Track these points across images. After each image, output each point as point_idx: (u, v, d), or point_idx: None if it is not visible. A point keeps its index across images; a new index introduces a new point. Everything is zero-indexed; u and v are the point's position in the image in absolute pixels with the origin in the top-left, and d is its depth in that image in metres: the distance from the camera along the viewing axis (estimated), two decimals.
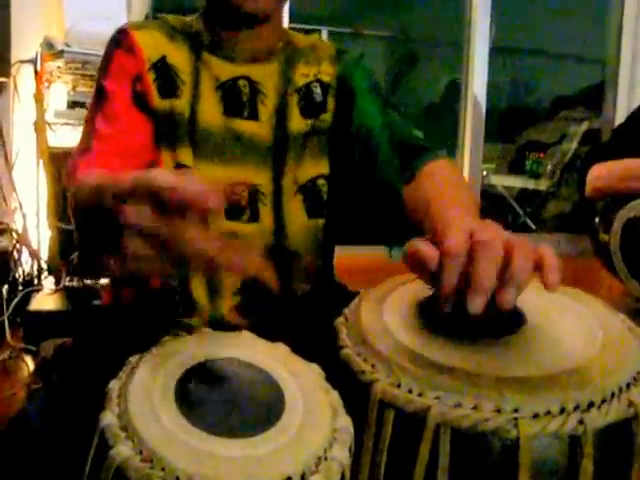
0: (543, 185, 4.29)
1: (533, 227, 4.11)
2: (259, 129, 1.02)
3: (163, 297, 1.00)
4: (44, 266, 2.33)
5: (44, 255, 2.38)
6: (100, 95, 0.98)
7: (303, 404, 0.53)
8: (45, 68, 2.33)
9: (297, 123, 1.04)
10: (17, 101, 2.44)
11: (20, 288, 2.22)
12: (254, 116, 1.02)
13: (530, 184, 4.37)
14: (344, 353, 0.61)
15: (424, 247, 0.59)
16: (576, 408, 0.51)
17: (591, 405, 0.52)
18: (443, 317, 0.61)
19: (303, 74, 1.06)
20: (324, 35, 5.02)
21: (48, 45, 2.36)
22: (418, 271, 0.61)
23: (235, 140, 1.01)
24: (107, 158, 0.93)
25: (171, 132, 0.99)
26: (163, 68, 0.99)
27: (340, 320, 0.67)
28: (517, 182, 4.44)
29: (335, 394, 0.56)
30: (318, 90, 1.06)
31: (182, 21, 1.05)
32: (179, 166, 0.98)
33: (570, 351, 0.57)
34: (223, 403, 0.51)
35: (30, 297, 2.18)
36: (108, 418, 0.48)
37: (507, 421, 0.50)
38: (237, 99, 1.01)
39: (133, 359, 0.56)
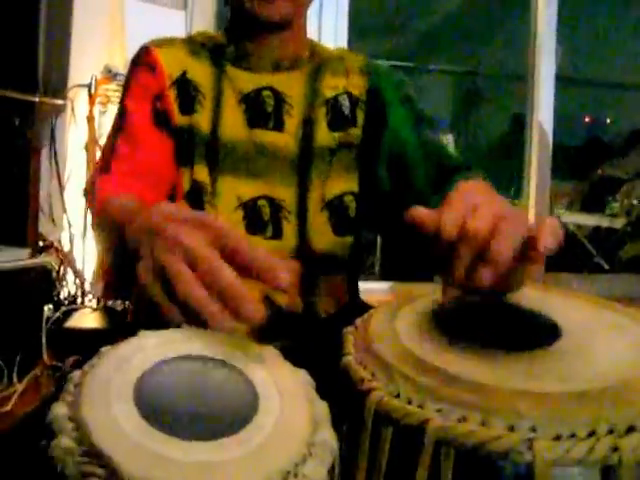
0: (618, 223, 4.09)
1: (606, 267, 3.91)
2: (284, 140, 0.99)
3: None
4: (88, 286, 2.34)
5: (89, 276, 2.39)
6: (121, 114, 0.98)
7: (279, 412, 0.46)
8: (101, 92, 2.38)
9: (324, 136, 1.00)
10: (73, 124, 2.49)
11: (64, 307, 2.23)
12: (279, 127, 0.99)
13: (604, 222, 4.17)
14: (344, 360, 0.54)
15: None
16: (610, 432, 0.42)
17: (631, 430, 0.42)
18: (463, 326, 0.55)
19: (331, 86, 1.02)
20: None
21: (107, 70, 2.42)
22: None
23: (259, 152, 0.98)
24: (125, 179, 0.92)
25: (190, 149, 0.97)
26: (183, 84, 0.99)
27: (349, 329, 0.61)
28: (590, 220, 4.25)
29: (322, 405, 0.49)
30: (347, 103, 1.02)
31: (207, 37, 1.05)
32: (194, 183, 0.96)
33: (611, 369, 0.48)
34: (187, 404, 0.45)
35: (71, 316, 2.19)
36: (58, 408, 0.43)
37: (521, 441, 0.42)
38: (261, 110, 0.99)
39: (104, 349, 0.51)
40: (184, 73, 0.99)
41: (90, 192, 0.90)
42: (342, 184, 1.00)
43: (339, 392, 0.53)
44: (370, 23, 5.10)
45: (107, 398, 0.44)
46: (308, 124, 1.00)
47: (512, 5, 3.52)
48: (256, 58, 1.00)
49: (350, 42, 2.90)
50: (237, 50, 1.01)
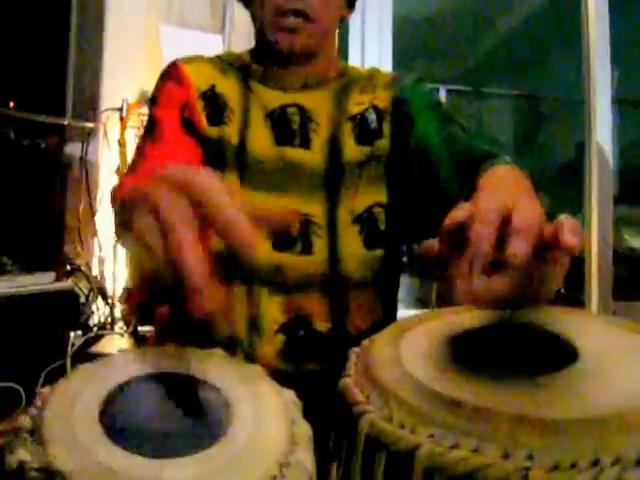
0: None
1: None
2: (311, 158, 1.00)
3: (204, 334, 0.98)
4: (117, 311, 2.37)
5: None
6: (150, 123, 1.02)
7: (252, 430, 0.46)
8: (135, 116, 2.44)
9: (351, 151, 1.02)
10: (106, 148, 2.55)
11: (91, 333, 2.26)
12: (306, 145, 1.01)
13: None
14: (341, 383, 0.53)
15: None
16: (617, 462, 0.40)
17: None
18: (473, 350, 0.54)
19: (358, 102, 1.04)
20: (442, 93, 5.03)
21: (143, 95, 2.49)
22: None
23: (286, 169, 1.00)
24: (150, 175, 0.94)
25: (219, 159, 1.00)
26: (212, 97, 1.02)
27: (354, 349, 0.60)
28: None
29: (303, 427, 0.49)
30: (373, 116, 1.04)
31: (234, 55, 1.09)
32: None
33: (624, 396, 0.46)
34: (156, 421, 0.46)
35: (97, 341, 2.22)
36: (22, 421, 0.44)
37: (515, 471, 0.40)
38: (287, 127, 1.01)
39: (82, 365, 0.52)
40: (213, 87, 1.03)
41: (113, 195, 0.92)
42: (370, 196, 1.02)
43: (336, 416, 0.52)
44: (426, 48, 5.14)
45: (70, 414, 0.44)
46: (334, 141, 1.01)
47: (567, 26, 3.48)
48: (282, 78, 1.03)
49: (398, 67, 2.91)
50: (263, 70, 1.04)
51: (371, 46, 2.88)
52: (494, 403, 0.44)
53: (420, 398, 0.47)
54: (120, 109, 2.46)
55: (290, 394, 0.53)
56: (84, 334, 2.22)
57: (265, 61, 1.04)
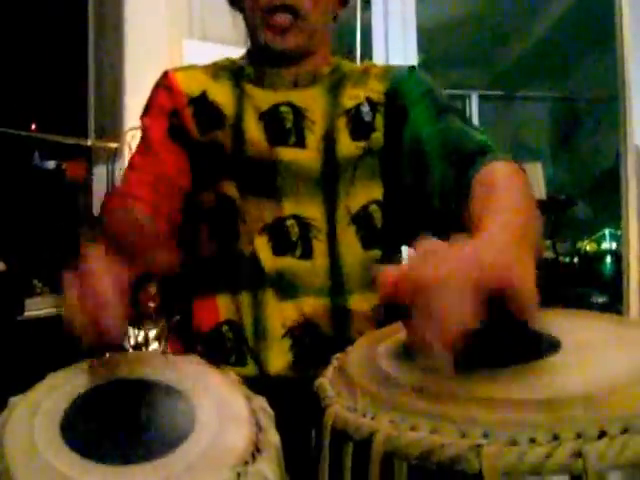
0: None
1: None
2: (307, 156, 0.99)
3: (214, 346, 0.98)
4: (151, 333, 2.38)
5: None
6: (142, 133, 1.04)
7: (213, 438, 0.46)
8: None
9: (347, 147, 1.00)
10: None
11: None
12: (301, 143, 0.99)
13: None
14: (316, 382, 0.55)
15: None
16: (577, 437, 0.39)
17: (603, 435, 0.40)
18: None
19: (352, 96, 1.03)
20: (474, 99, 5.01)
21: None
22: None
23: (283, 171, 0.98)
24: (138, 188, 0.96)
25: (213, 165, 1.00)
26: (203, 103, 1.02)
27: (337, 355, 0.61)
28: None
29: (272, 436, 0.49)
30: (367, 109, 1.02)
31: (228, 60, 1.09)
32: (222, 200, 0.99)
33: (596, 381, 0.46)
34: (117, 429, 0.47)
35: None
36: None
37: (469, 448, 0.40)
38: (280, 126, 1.00)
39: (49, 374, 0.54)
40: (204, 93, 1.03)
41: (103, 205, 0.97)
42: (366, 193, 1.00)
43: (314, 415, 0.52)
44: (456, 55, 5.12)
45: (32, 421, 0.45)
46: (330, 137, 1.00)
47: (601, 26, 3.44)
48: (275, 77, 1.02)
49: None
50: (256, 71, 1.04)
51: (396, 53, 2.87)
52: (455, 388, 0.45)
53: (384, 387, 0.48)
54: None
55: (261, 401, 0.53)
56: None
57: (258, 62, 1.04)
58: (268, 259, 0.97)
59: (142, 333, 2.42)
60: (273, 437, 0.49)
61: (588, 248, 4.49)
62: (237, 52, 2.83)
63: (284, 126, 0.99)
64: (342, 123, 1.00)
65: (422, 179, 0.94)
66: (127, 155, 2.58)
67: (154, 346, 2.40)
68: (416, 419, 0.43)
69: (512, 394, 0.43)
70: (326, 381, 0.54)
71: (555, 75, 5.25)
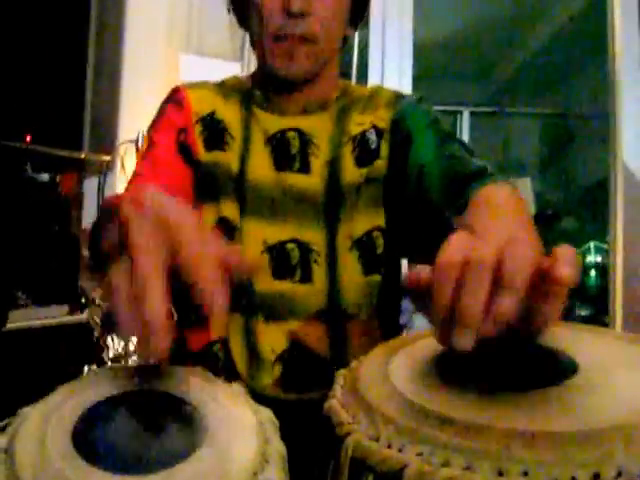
0: None
1: None
2: (310, 183, 0.99)
3: (205, 365, 0.97)
4: (131, 345, 2.36)
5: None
6: (147, 146, 1.01)
7: (221, 448, 0.45)
8: None
9: (351, 174, 1.00)
10: (124, 180, 2.56)
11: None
12: (305, 169, 1.00)
13: None
14: (327, 404, 0.51)
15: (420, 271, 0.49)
16: (619, 475, 0.37)
17: None
18: (463, 365, 0.51)
19: (358, 123, 1.03)
20: (465, 115, 5.01)
21: None
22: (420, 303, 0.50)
23: (285, 195, 0.99)
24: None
25: (215, 185, 0.99)
26: (211, 122, 1.02)
27: (342, 371, 0.58)
28: None
29: (278, 446, 0.48)
30: (373, 137, 1.01)
31: (238, 80, 1.09)
32: (222, 220, 0.98)
33: (625, 408, 0.43)
34: (127, 439, 0.46)
35: None
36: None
37: None
38: (286, 152, 1.00)
39: (59, 387, 0.53)
40: (213, 112, 1.03)
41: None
42: (370, 220, 0.99)
43: (324, 438, 0.49)
44: (448, 70, 5.14)
45: (44, 431, 0.44)
46: (334, 163, 1.00)
47: (594, 43, 3.45)
48: (283, 103, 1.02)
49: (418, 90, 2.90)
50: (264, 95, 1.03)
51: (391, 73, 2.88)
52: (486, 418, 0.42)
53: (408, 415, 0.44)
54: (136, 141, 2.48)
55: (267, 413, 0.52)
56: (98, 367, 2.21)
57: (265, 86, 1.03)
58: (267, 282, 0.96)
59: (122, 344, 2.39)
60: (280, 447, 0.48)
61: None
62: (233, 67, 2.84)
63: (290, 151, 0.99)
64: (347, 150, 1.00)
65: (422, 203, 0.93)
66: (119, 168, 2.57)
67: (134, 358, 2.37)
68: (447, 453, 0.40)
69: (549, 425, 0.40)
70: (337, 404, 0.50)
71: (546, 92, 5.27)
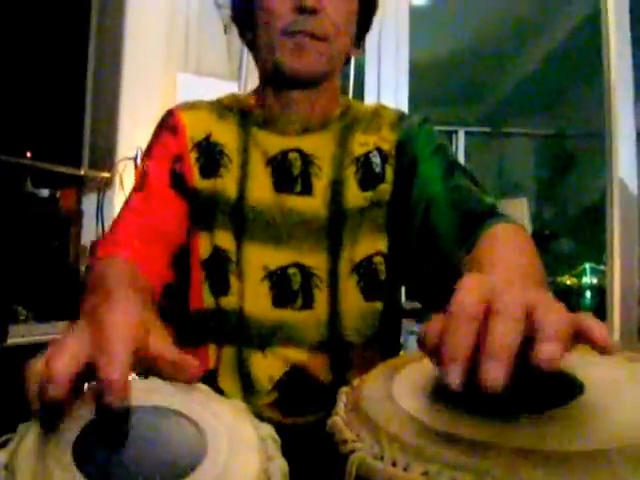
0: None
1: None
2: (312, 205, 0.96)
3: None
4: None
5: None
6: (140, 174, 0.98)
7: (223, 466, 0.44)
8: None
9: (354, 197, 0.97)
10: (123, 196, 2.56)
11: None
12: (307, 191, 0.97)
13: None
14: (330, 422, 0.50)
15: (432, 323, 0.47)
16: None
17: None
18: (468, 383, 0.49)
19: (362, 143, 1.00)
20: (461, 135, 5.02)
21: None
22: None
23: (287, 218, 0.96)
24: (130, 239, 0.90)
25: (211, 213, 0.97)
26: (207, 146, 0.99)
27: (344, 388, 0.56)
28: None
29: (280, 463, 0.47)
30: (377, 160, 0.99)
31: (235, 99, 1.05)
32: (216, 249, 0.96)
33: (632, 428, 0.42)
34: (128, 455, 0.45)
35: None
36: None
37: None
38: (288, 174, 0.97)
39: None
40: (208, 136, 1.00)
41: (94, 250, 0.90)
42: (371, 245, 0.97)
43: (327, 457, 0.48)
44: (444, 91, 5.15)
45: (44, 448, 0.44)
46: (337, 185, 0.97)
47: (589, 63, 3.47)
48: (284, 121, 0.99)
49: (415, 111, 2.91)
50: (265, 113, 1.00)
51: (387, 92, 2.89)
52: (493, 437, 0.41)
53: (413, 433, 0.43)
54: (135, 158, 2.48)
55: (269, 429, 0.50)
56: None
57: (268, 99, 1.00)
58: (266, 311, 0.94)
59: None
60: (282, 464, 0.47)
61: (568, 282, 4.49)
62: (230, 86, 2.84)
63: (292, 173, 0.96)
64: (351, 172, 0.98)
65: (429, 235, 0.91)
66: (118, 185, 2.56)
67: (133, 375, 2.35)
68: (453, 472, 0.39)
69: (556, 445, 0.40)
70: (341, 421, 0.49)
71: (541, 112, 5.29)
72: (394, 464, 0.42)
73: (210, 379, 0.93)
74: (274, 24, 0.91)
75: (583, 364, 0.53)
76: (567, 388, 0.49)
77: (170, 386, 0.52)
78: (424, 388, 0.51)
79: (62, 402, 0.45)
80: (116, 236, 0.91)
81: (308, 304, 0.94)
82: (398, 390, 0.51)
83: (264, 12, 0.92)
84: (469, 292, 0.45)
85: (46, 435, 0.45)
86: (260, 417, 0.89)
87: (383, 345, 0.99)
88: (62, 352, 0.47)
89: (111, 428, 0.47)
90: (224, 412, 0.51)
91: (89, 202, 2.51)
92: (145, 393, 0.51)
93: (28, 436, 0.46)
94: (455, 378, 0.43)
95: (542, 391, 0.49)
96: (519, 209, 3.50)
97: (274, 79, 0.97)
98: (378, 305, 0.97)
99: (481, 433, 0.41)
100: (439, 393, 0.50)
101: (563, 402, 0.47)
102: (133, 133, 2.55)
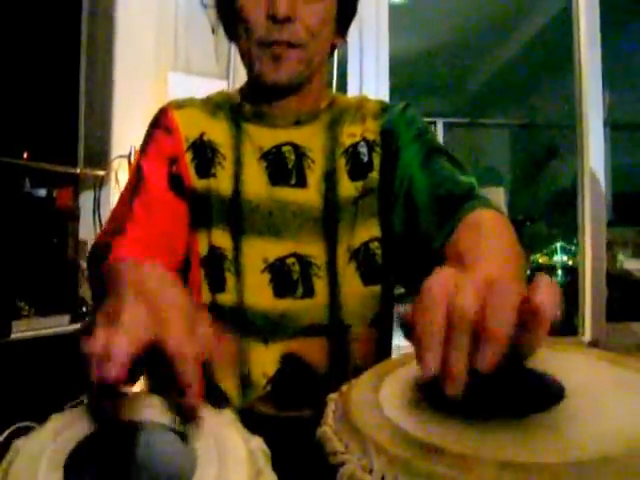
0: None
1: None
2: (307, 196, 0.95)
3: None
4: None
5: None
6: (138, 175, 0.95)
7: (213, 478, 0.43)
8: None
9: (346, 188, 0.96)
10: (118, 193, 2.53)
11: None
12: (302, 183, 0.96)
13: None
14: (319, 432, 0.49)
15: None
16: None
17: None
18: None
19: (350, 134, 0.99)
20: (439, 126, 5.00)
21: None
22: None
23: (283, 210, 0.94)
24: (138, 248, 0.87)
25: (208, 212, 0.95)
26: (201, 145, 0.97)
27: (333, 395, 0.55)
28: None
29: (270, 476, 0.46)
30: (364, 150, 0.98)
31: (226, 96, 1.03)
32: (213, 248, 0.94)
33: (615, 435, 0.41)
34: (118, 470, 0.44)
35: None
36: None
37: None
38: (282, 167, 0.95)
39: (55, 415, 0.50)
40: (202, 135, 0.97)
41: (100, 252, 0.84)
42: (367, 231, 0.97)
43: (316, 467, 0.47)
44: (423, 83, 5.14)
45: (36, 466, 0.42)
46: (330, 176, 0.96)
47: (562, 54, 3.46)
48: (274, 114, 0.97)
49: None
50: (254, 108, 0.98)
51: (369, 85, 2.88)
52: (478, 449, 0.40)
53: (401, 445, 0.42)
54: (129, 155, 2.45)
55: (258, 442, 0.49)
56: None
57: (253, 97, 0.98)
58: (268, 302, 0.92)
59: None
60: (271, 478, 0.46)
61: (541, 260, 4.51)
62: (220, 84, 2.81)
63: (286, 166, 0.95)
64: (342, 162, 0.96)
65: (412, 220, 0.90)
66: (113, 182, 2.54)
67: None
68: None
69: (540, 456, 0.38)
70: (330, 431, 0.48)
71: (519, 102, 5.29)
72: (383, 477, 0.40)
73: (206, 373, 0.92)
74: (251, 35, 0.89)
75: (565, 366, 0.52)
76: (548, 393, 0.48)
77: (160, 399, 0.51)
78: (409, 396, 0.50)
79: (118, 383, 0.44)
80: (126, 241, 0.86)
81: (309, 293, 0.93)
82: (384, 398, 0.50)
83: (242, 22, 0.90)
84: (436, 280, 0.46)
85: (39, 452, 0.44)
86: (256, 411, 0.88)
87: (380, 327, 0.98)
88: (121, 332, 0.46)
89: (103, 444, 0.46)
90: (214, 425, 0.50)
91: (85, 199, 2.48)
92: (134, 408, 0.49)
93: (21, 454, 0.44)
94: (429, 362, 0.44)
95: (523, 396, 0.48)
96: (497, 198, 3.51)
97: (258, 88, 0.95)
98: (377, 289, 0.97)
99: (466, 445, 0.40)
100: (423, 400, 0.49)
101: (546, 406, 0.45)
102: (126, 132, 2.52)
